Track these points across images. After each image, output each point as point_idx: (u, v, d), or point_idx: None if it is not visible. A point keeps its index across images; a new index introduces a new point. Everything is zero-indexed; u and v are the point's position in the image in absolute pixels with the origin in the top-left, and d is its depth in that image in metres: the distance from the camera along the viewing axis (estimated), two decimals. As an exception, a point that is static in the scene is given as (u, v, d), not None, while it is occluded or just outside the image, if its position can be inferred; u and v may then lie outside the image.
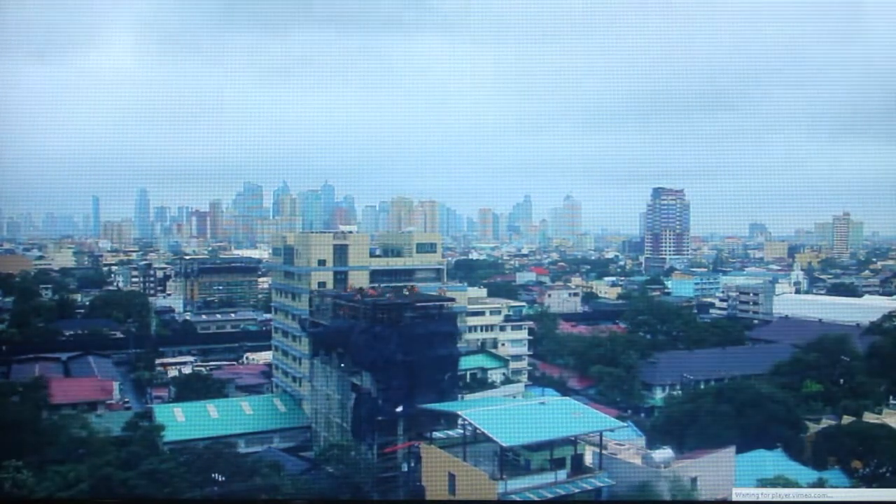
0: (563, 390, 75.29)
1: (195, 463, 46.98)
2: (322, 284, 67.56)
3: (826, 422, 56.88)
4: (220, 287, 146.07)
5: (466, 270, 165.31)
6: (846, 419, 55.56)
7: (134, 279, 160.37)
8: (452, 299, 62.61)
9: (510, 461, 42.61)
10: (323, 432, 61.50)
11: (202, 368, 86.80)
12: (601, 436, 44.31)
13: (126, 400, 75.16)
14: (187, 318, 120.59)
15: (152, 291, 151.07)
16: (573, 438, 42.99)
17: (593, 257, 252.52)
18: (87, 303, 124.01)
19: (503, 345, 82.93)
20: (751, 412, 54.22)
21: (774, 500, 21.01)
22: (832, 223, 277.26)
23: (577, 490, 40.61)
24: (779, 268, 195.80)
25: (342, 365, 58.23)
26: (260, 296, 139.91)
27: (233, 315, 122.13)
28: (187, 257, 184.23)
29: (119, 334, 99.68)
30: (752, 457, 47.22)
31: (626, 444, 47.76)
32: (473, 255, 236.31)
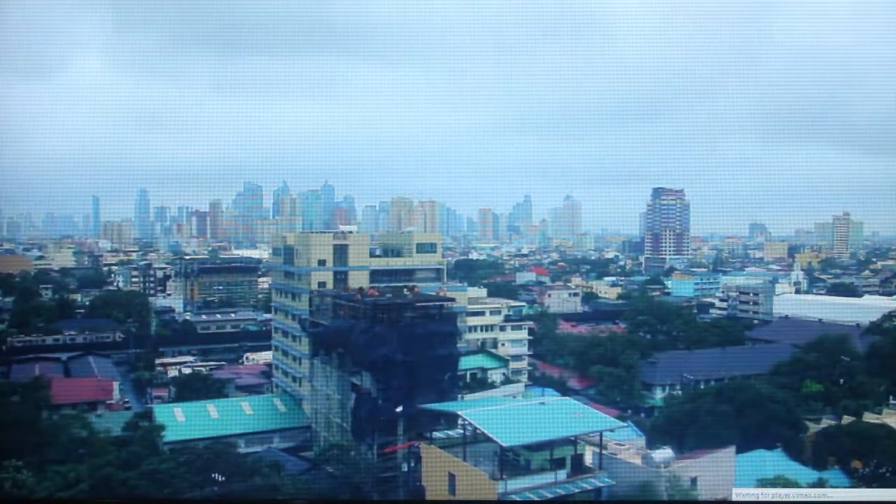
0: (563, 390, 75.27)
1: (195, 463, 47.00)
2: (322, 284, 67.55)
3: (826, 422, 56.87)
4: (220, 287, 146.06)
5: (466, 270, 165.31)
6: (846, 419, 55.56)
7: (134, 279, 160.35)
8: (452, 299, 62.59)
9: (510, 461, 42.61)
10: (323, 432, 61.50)
11: (202, 368, 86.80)
12: (601, 436, 44.31)
13: (126, 400, 75.18)
14: (187, 318, 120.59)
15: (152, 291, 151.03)
16: (573, 438, 42.99)
17: (593, 257, 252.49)
18: (87, 303, 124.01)
19: (503, 345, 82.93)
20: (751, 412, 54.24)
21: (774, 500, 21.00)
22: (832, 223, 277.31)
23: (577, 490, 40.60)
24: (779, 268, 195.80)
25: (342, 365, 58.24)
26: (260, 296, 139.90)
27: (233, 315, 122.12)
28: (187, 257, 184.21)
29: (119, 334, 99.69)
30: (752, 457, 47.22)
31: (626, 444, 47.77)
32: (473, 255, 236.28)
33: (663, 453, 42.92)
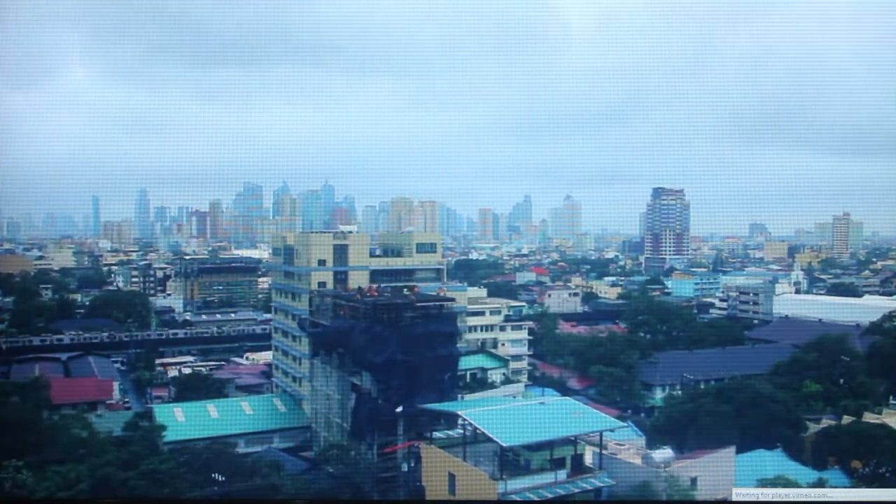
0: (563, 390, 75.32)
1: (195, 463, 46.99)
2: (322, 284, 67.55)
3: (826, 422, 56.89)
4: (220, 287, 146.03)
5: (466, 270, 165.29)
6: (846, 419, 55.57)
7: (134, 279, 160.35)
8: (452, 299, 62.61)
9: (510, 461, 42.63)
10: (323, 432, 61.51)
11: (202, 368, 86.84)
12: (601, 436, 44.34)
13: (126, 400, 75.21)
14: (187, 318, 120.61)
15: (152, 291, 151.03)
16: (573, 438, 43.01)
17: (593, 257, 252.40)
18: (87, 303, 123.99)
19: (503, 345, 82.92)
20: (751, 412, 54.26)
21: (774, 500, 21.01)
22: (832, 223, 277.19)
23: (577, 490, 40.62)
24: (779, 268, 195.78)
25: (342, 365, 58.25)
26: (260, 296, 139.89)
27: (233, 315, 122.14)
28: (187, 257, 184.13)
29: (119, 334, 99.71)
30: (752, 457, 47.25)
31: (626, 444, 47.79)
32: (473, 255, 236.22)
33: (663, 453, 42.95)
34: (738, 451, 45.71)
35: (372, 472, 50.77)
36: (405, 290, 64.51)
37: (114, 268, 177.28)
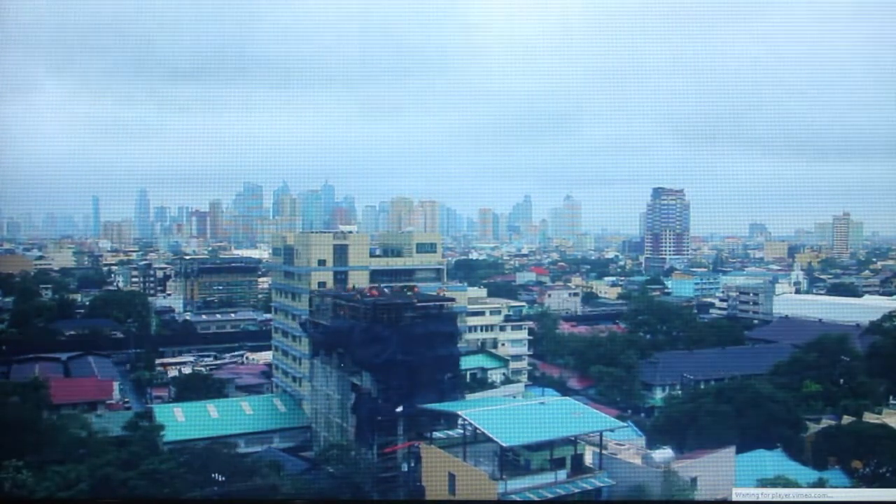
0: (563, 390, 75.32)
1: (195, 463, 46.99)
2: (322, 284, 67.57)
3: (826, 422, 56.92)
4: (220, 287, 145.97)
5: (466, 270, 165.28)
6: (846, 419, 55.59)
7: (134, 279, 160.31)
8: (452, 299, 62.63)
9: (510, 461, 42.63)
10: (323, 432, 61.52)
11: (202, 369, 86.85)
12: (601, 436, 44.34)
13: (126, 400, 75.18)
14: (187, 318, 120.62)
15: (152, 291, 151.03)
16: (573, 438, 43.01)
17: (593, 257, 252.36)
18: (87, 303, 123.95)
19: (503, 345, 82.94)
20: (751, 412, 54.26)
21: (774, 500, 20.99)
22: (832, 223, 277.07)
23: (577, 490, 40.63)
24: (779, 268, 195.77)
25: (342, 365, 58.26)
26: (260, 296, 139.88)
27: (233, 315, 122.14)
28: (187, 257, 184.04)
29: (119, 334, 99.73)
30: (752, 457, 47.25)
31: (626, 444, 47.80)
32: (473, 255, 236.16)
33: (663, 453, 42.96)
34: (738, 451, 45.70)
35: (372, 472, 50.78)
36: (406, 290, 64.53)
37: (114, 268, 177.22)
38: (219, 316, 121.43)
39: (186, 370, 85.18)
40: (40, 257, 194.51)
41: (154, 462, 46.13)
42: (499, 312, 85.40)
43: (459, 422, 45.10)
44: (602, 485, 41.75)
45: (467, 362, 71.59)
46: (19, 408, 53.97)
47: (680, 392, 72.48)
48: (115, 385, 73.16)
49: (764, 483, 40.83)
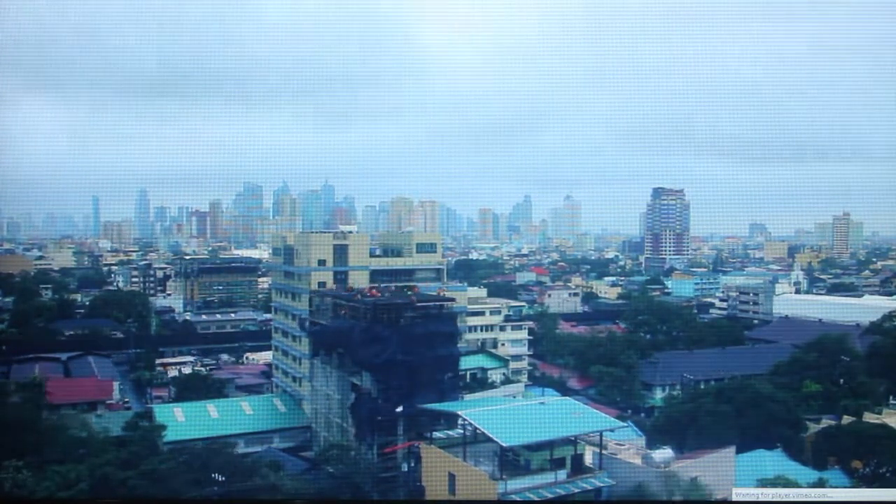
0: (563, 390, 75.32)
1: (195, 463, 46.96)
2: (322, 284, 67.57)
3: (826, 422, 56.92)
4: (220, 287, 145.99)
5: (466, 270, 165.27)
6: (846, 419, 55.59)
7: (134, 279, 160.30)
8: (452, 299, 62.62)
9: (510, 461, 42.63)
10: (323, 432, 61.53)
11: (202, 369, 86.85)
12: (601, 436, 44.34)
13: (126, 400, 75.18)
14: (187, 318, 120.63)
15: (152, 291, 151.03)
16: (573, 438, 43.01)
17: (593, 257, 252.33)
18: (87, 303, 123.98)
19: (503, 345, 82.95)
20: (751, 412, 54.26)
21: (774, 500, 20.99)
22: (832, 223, 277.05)
23: (577, 490, 40.64)
24: (779, 268, 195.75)
25: (342, 365, 58.26)
26: (260, 296, 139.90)
27: (233, 315, 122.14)
28: (187, 257, 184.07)
29: (119, 334, 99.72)
30: (752, 457, 47.25)
31: (626, 444, 47.81)
32: (473, 255, 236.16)
33: (663, 453, 42.96)
34: (738, 451, 45.70)
35: (372, 472, 50.79)
36: (406, 290, 64.53)
37: (114, 268, 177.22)
38: (219, 316, 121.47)
39: (186, 370, 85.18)
40: (40, 257, 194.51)
41: (154, 462, 46.14)
42: (499, 312, 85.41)
43: (459, 422, 45.11)
44: (602, 485, 41.77)
45: (467, 362, 71.60)
46: (19, 408, 53.98)
47: (680, 392, 72.49)
48: (115, 385, 73.17)
49: (764, 483, 40.84)
